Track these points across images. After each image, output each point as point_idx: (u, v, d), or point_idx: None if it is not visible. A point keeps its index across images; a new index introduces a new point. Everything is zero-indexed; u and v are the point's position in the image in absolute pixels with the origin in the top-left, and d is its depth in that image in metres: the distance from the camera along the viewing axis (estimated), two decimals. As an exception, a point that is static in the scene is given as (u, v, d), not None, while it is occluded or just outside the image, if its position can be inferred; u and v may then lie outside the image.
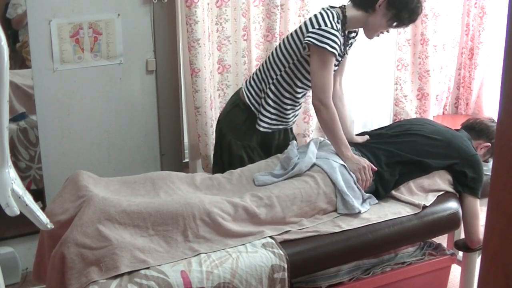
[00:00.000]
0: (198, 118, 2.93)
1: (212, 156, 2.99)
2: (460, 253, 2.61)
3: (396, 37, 3.45)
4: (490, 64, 3.65)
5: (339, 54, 2.41)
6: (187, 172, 2.62)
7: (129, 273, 1.85)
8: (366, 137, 2.61)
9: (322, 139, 2.51)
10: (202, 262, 1.92)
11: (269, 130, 2.57)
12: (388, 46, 3.51)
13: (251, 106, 2.55)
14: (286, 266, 1.97)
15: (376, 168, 2.35)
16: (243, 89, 2.60)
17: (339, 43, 2.34)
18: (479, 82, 3.71)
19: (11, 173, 1.67)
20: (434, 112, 3.66)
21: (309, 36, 2.33)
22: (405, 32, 3.43)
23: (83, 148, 2.89)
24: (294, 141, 2.46)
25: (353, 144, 2.49)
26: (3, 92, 1.58)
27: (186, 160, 3.18)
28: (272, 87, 2.50)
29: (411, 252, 2.41)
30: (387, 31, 2.50)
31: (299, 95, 2.56)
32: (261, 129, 2.54)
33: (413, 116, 3.54)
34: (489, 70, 3.67)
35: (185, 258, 1.94)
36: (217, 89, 3.05)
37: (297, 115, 2.69)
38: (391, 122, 3.54)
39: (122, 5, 2.79)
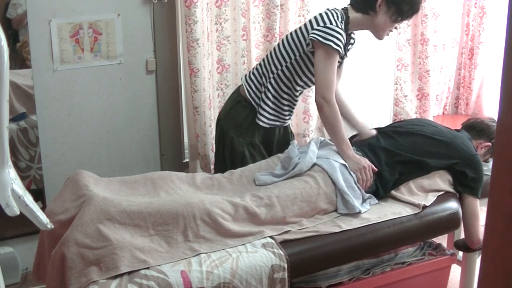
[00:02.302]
0: (197, 118, 2.93)
1: (211, 155, 3.00)
2: (460, 253, 2.61)
3: (396, 37, 3.45)
4: (490, 64, 3.65)
5: (341, 55, 2.41)
6: (187, 172, 2.62)
7: (129, 273, 1.85)
8: (375, 131, 2.61)
9: (322, 138, 2.51)
10: (202, 262, 1.92)
11: (267, 126, 2.58)
12: (388, 46, 3.51)
13: (251, 100, 2.56)
14: (286, 266, 1.97)
15: (376, 169, 2.35)
16: (243, 84, 2.61)
17: (343, 41, 2.36)
18: (479, 82, 3.71)
19: (11, 173, 1.67)
20: (434, 112, 3.66)
21: (314, 33, 2.35)
22: (405, 32, 3.43)
23: (83, 148, 2.89)
24: (295, 141, 2.46)
25: (354, 144, 2.49)
26: (3, 92, 1.59)
27: (186, 160, 3.18)
28: (272, 81, 2.51)
29: (411, 252, 2.41)
30: (396, 28, 2.51)
31: (297, 93, 2.57)
32: (260, 123, 2.55)
33: (413, 116, 3.54)
34: (489, 70, 3.67)
35: (185, 258, 1.94)
36: (216, 89, 3.05)
37: (292, 114, 2.69)
38: (391, 122, 3.54)
39: (122, 5, 2.79)
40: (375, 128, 2.71)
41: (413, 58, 3.49)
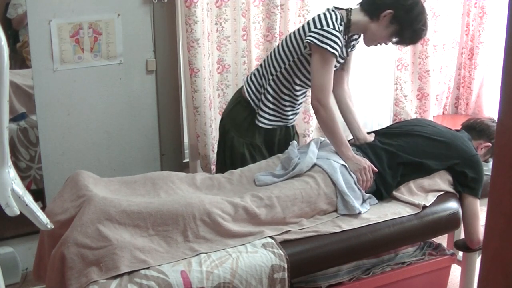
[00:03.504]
0: (197, 118, 2.93)
1: (211, 156, 3.00)
2: (460, 253, 2.61)
3: (396, 37, 3.45)
4: (490, 64, 3.65)
5: (340, 56, 2.40)
6: (187, 172, 2.62)
7: (129, 273, 1.85)
8: (373, 135, 2.61)
9: (322, 139, 2.51)
10: (202, 262, 1.92)
11: (269, 127, 2.58)
12: (388, 46, 3.51)
13: (250, 101, 2.57)
14: (286, 266, 1.97)
15: (376, 170, 2.35)
16: (244, 85, 2.62)
17: (340, 44, 2.34)
18: (479, 82, 3.71)
19: (11, 173, 1.67)
20: (434, 112, 3.66)
21: (310, 36, 2.34)
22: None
23: (83, 148, 2.89)
24: (295, 141, 2.46)
25: (355, 145, 2.49)
26: (3, 92, 1.59)
27: (186, 160, 3.18)
28: (272, 83, 2.51)
29: (411, 252, 2.40)
30: (385, 44, 2.49)
31: (298, 93, 2.57)
32: (260, 124, 2.55)
33: (413, 116, 3.54)
34: (489, 70, 3.67)
35: (185, 258, 1.94)
36: (217, 89, 3.05)
37: (297, 113, 2.69)
38: (391, 122, 3.54)
39: (122, 5, 2.79)
40: (375, 131, 2.71)
41: (413, 58, 3.49)
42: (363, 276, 2.25)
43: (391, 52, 3.51)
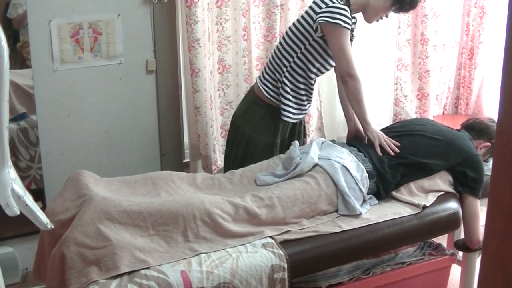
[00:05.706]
0: (198, 118, 2.93)
1: (212, 156, 3.00)
2: (460, 253, 2.61)
3: (396, 37, 3.45)
4: (490, 64, 3.65)
5: (351, 33, 2.46)
6: (188, 172, 2.62)
7: (129, 273, 1.85)
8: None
9: (324, 139, 2.52)
10: (202, 262, 1.92)
11: (294, 121, 2.62)
12: (388, 46, 3.51)
13: (271, 99, 2.58)
14: (286, 266, 1.97)
15: (399, 144, 2.42)
16: (258, 85, 2.62)
17: (350, 17, 2.40)
18: (479, 82, 3.71)
19: (11, 173, 1.67)
20: (434, 112, 3.66)
21: (320, 16, 2.39)
22: (405, 32, 3.43)
23: (83, 148, 2.89)
24: (296, 142, 2.46)
25: (358, 145, 2.49)
26: (3, 92, 1.59)
27: (187, 160, 3.18)
28: (287, 74, 2.53)
29: (411, 252, 2.40)
30: (386, 16, 2.56)
31: (312, 80, 2.60)
32: (287, 119, 2.58)
33: (413, 116, 3.54)
34: (489, 70, 3.67)
35: (185, 258, 1.94)
36: (217, 89, 3.05)
37: (310, 102, 2.71)
38: (391, 122, 3.54)
39: (122, 5, 2.79)
40: None
41: (413, 58, 3.49)
42: (363, 276, 2.25)
43: (391, 52, 3.51)
